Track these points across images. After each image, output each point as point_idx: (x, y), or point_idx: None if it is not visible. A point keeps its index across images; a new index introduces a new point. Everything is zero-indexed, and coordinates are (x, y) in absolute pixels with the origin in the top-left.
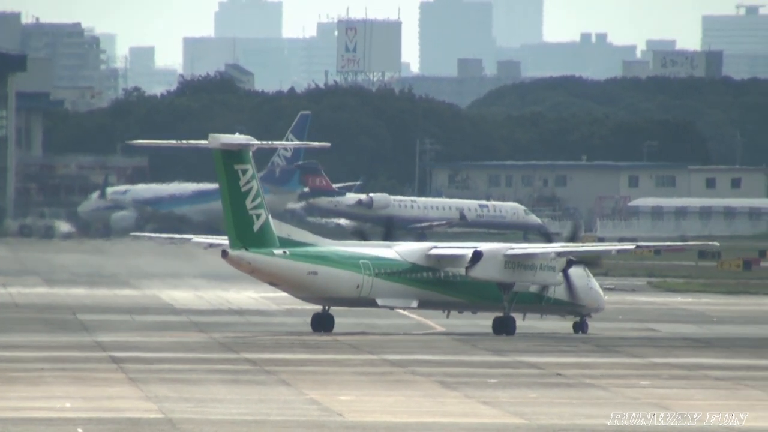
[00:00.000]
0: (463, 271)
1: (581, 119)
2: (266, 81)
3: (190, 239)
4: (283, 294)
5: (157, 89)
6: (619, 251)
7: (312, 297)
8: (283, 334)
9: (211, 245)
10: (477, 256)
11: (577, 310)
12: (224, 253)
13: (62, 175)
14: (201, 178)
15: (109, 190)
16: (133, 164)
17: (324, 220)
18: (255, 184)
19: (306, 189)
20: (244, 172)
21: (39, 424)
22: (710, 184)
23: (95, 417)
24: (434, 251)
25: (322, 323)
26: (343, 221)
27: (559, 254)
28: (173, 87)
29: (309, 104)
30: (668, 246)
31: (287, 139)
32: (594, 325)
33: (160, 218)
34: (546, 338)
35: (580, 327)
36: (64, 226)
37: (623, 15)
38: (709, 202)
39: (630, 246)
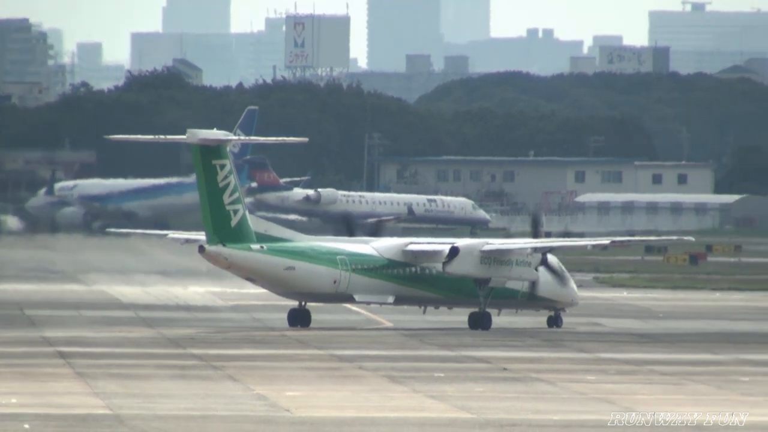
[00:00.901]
0: (439, 266)
1: (528, 115)
2: (214, 76)
3: (165, 235)
4: (230, 290)
5: (105, 84)
6: (594, 246)
7: (289, 292)
8: (233, 330)
9: (187, 241)
10: (454, 251)
11: (551, 304)
12: (201, 249)
13: (10, 171)
14: (149, 174)
15: (57, 185)
16: (81, 160)
17: (272, 216)
18: (232, 180)
19: (254, 184)
20: (222, 167)
21: None
22: (656, 179)
23: (42, 413)
24: (411, 247)
25: (299, 318)
26: (291, 216)
27: (536, 250)
28: (121, 82)
29: (257, 99)
30: (642, 240)
31: (234, 135)
32: (539, 320)
33: (108, 214)
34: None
35: (554, 321)
36: (11, 222)
37: (570, 11)
38: (656, 197)
39: (605, 241)
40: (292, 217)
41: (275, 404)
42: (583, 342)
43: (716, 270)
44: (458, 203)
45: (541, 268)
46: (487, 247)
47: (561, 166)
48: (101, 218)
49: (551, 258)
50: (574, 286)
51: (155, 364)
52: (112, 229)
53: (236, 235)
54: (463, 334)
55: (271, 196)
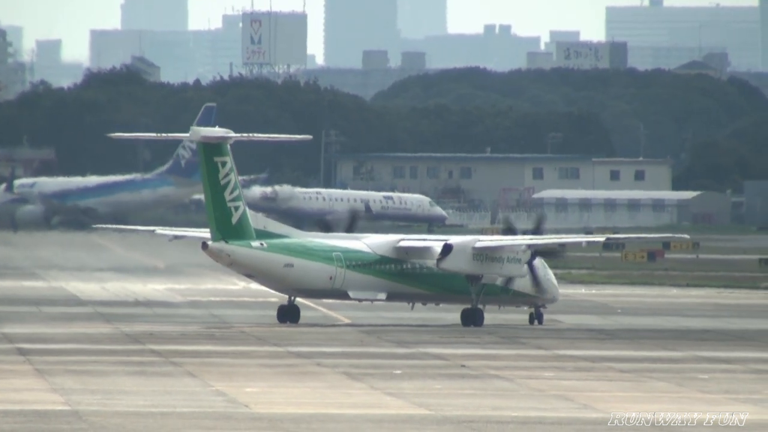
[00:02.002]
0: (431, 263)
1: (485, 111)
2: (172, 73)
3: (153, 231)
4: (186, 286)
5: (64, 82)
6: (588, 243)
7: (286, 289)
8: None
9: (175, 237)
10: (447, 248)
11: (532, 301)
12: (204, 245)
13: None
14: (108, 171)
15: (17, 182)
16: (40, 157)
17: None
18: (233, 177)
19: None
20: (223, 164)
21: None
22: (614, 176)
23: (1, 409)
24: (403, 243)
25: (288, 314)
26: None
27: (529, 246)
28: (80, 80)
29: (214, 96)
30: (638, 238)
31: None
32: (503, 317)
33: (67, 211)
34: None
35: (535, 317)
36: None
37: (527, 7)
38: (613, 194)
39: (600, 238)
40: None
41: (234, 400)
42: (541, 339)
43: (674, 266)
44: (415, 200)
45: (532, 264)
46: (479, 244)
47: (518, 163)
48: (60, 215)
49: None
50: (555, 282)
51: (114, 361)
52: (101, 226)
53: (237, 231)
54: (421, 331)
55: None
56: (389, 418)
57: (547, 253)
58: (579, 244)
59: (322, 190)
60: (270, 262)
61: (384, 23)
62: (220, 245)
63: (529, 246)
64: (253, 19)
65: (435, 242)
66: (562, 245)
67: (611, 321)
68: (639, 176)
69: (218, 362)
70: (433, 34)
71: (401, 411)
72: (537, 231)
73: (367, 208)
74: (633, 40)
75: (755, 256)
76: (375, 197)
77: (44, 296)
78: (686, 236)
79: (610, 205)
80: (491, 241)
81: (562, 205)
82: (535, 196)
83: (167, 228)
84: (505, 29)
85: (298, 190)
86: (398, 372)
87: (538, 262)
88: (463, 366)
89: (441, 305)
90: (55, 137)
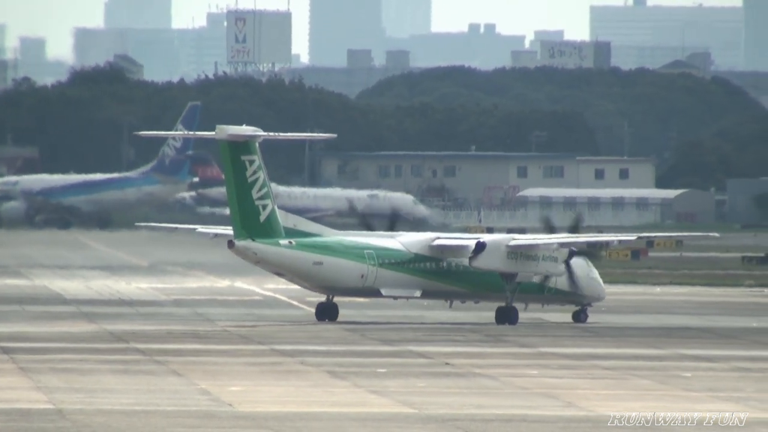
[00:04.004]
0: (465, 261)
1: (470, 109)
2: (156, 72)
3: (194, 229)
4: (170, 284)
5: (48, 80)
6: (621, 242)
7: (317, 286)
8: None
9: (216, 235)
10: (480, 246)
11: (577, 299)
12: (230, 244)
13: None
14: (92, 169)
15: (0, 180)
16: (23, 155)
17: (214, 210)
18: (261, 175)
19: (196, 179)
20: (251, 162)
21: None
22: (598, 174)
23: None
24: (438, 242)
25: (327, 312)
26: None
27: (562, 245)
28: (64, 78)
29: (199, 95)
30: (668, 237)
31: (176, 130)
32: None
33: (50, 209)
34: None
35: (579, 316)
36: None
37: (511, 6)
38: (598, 192)
39: (632, 236)
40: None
41: (218, 399)
42: (525, 337)
43: (657, 265)
44: (399, 199)
45: (569, 263)
46: (513, 242)
47: (503, 161)
48: (43, 213)
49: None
50: (600, 280)
51: (98, 359)
52: (142, 224)
53: (265, 230)
54: (405, 329)
55: (213, 191)
56: (373, 416)
57: (586, 252)
58: (612, 243)
59: (307, 189)
60: (299, 259)
61: (368, 22)
62: (246, 243)
63: (561, 245)
64: (237, 18)
65: (470, 240)
66: (601, 244)
67: (595, 319)
68: (623, 175)
69: (202, 361)
70: (418, 32)
71: (385, 409)
72: (574, 230)
73: (352, 207)
74: (617, 39)
75: (738, 254)
76: (359, 196)
77: (28, 294)
78: (716, 234)
79: (594, 203)
80: (526, 239)
81: (546, 203)
82: (520, 194)
83: (207, 226)
84: (490, 28)
85: (282, 188)
86: (382, 370)
87: (582, 261)
88: (448, 364)
89: (479, 303)
90: (39, 135)
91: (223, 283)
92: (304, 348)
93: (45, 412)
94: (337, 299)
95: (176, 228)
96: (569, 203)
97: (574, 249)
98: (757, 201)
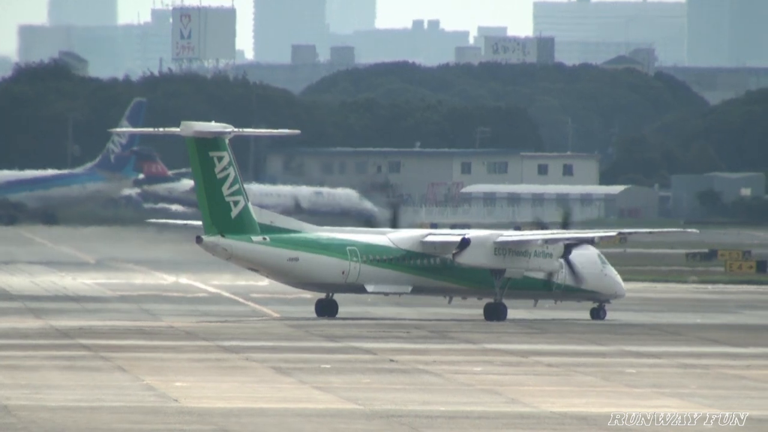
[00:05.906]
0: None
1: (414, 105)
2: (101, 68)
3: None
4: (116, 280)
5: None
6: (601, 238)
7: (295, 282)
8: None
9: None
10: (464, 243)
11: (594, 296)
12: (198, 239)
13: None
14: (37, 166)
15: None
16: None
17: (159, 206)
18: (232, 171)
19: (141, 175)
20: (220, 159)
21: None
22: (542, 170)
23: None
24: (429, 238)
25: (326, 309)
26: (174, 207)
27: (546, 241)
28: (8, 74)
29: (144, 91)
30: (649, 232)
31: (121, 126)
32: (439, 311)
33: None
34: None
35: (597, 313)
36: None
37: (455, 2)
38: (541, 188)
39: (612, 233)
40: (175, 207)
41: (164, 395)
42: (469, 333)
43: None
44: (344, 195)
45: (568, 258)
46: (500, 239)
47: (447, 157)
48: None
49: (591, 250)
50: (617, 277)
51: (44, 355)
52: (153, 220)
53: (237, 226)
54: (350, 325)
55: (159, 188)
56: (318, 412)
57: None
58: (592, 239)
59: (252, 186)
60: (273, 255)
61: (312, 18)
62: (215, 239)
63: (546, 241)
64: (182, 14)
65: (456, 237)
66: (582, 241)
67: (539, 315)
68: (567, 170)
69: (148, 357)
70: (362, 28)
71: (330, 405)
72: (565, 226)
73: (297, 204)
74: (561, 35)
75: (682, 251)
76: (305, 192)
77: None
78: (695, 230)
79: (538, 199)
80: (513, 235)
81: (490, 199)
82: (464, 190)
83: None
84: (434, 24)
85: None
86: (327, 366)
87: (596, 257)
88: (392, 360)
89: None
90: None
91: (169, 279)
92: (249, 344)
93: None
94: (337, 296)
95: (186, 225)
96: (513, 199)
97: (568, 245)
98: (701, 197)
